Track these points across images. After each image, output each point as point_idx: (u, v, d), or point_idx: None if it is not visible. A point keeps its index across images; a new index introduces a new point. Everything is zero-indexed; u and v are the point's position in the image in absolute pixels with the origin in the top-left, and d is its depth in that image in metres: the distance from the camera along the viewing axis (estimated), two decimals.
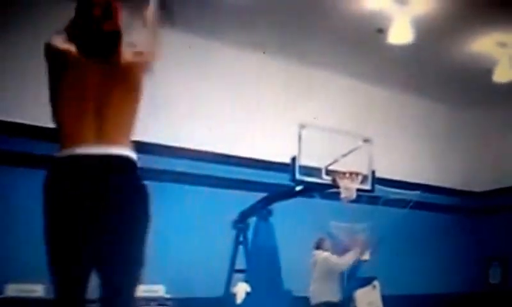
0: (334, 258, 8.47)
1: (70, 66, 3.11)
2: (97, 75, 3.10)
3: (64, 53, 3.12)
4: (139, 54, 3.29)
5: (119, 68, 3.16)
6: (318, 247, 8.68)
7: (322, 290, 8.36)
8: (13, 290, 7.35)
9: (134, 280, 3.17)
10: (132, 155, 3.11)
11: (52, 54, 3.15)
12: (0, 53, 8.00)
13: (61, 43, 3.16)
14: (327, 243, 8.72)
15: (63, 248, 3.00)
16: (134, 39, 3.32)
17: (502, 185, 12.67)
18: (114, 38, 3.19)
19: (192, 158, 9.32)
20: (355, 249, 8.66)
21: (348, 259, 8.51)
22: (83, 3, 3.19)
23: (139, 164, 3.14)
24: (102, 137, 3.03)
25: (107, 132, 3.05)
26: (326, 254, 8.53)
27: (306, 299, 9.32)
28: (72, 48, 3.13)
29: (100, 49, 3.14)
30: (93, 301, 3.17)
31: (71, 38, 3.16)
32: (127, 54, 3.22)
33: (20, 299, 7.22)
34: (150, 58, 3.35)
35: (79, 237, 2.97)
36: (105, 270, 3.08)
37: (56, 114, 3.13)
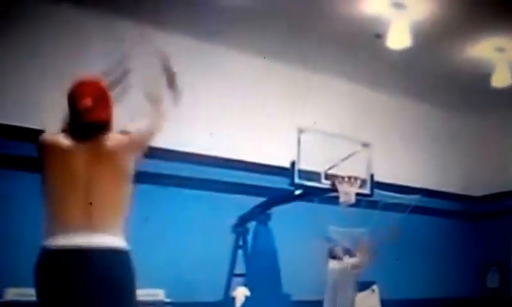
0: (351, 265, 8.62)
1: (60, 155, 3.21)
2: (85, 160, 3.19)
3: (54, 144, 3.23)
4: (126, 135, 3.34)
5: (105, 152, 3.23)
6: (333, 256, 8.78)
7: (342, 298, 8.56)
8: (13, 294, 7.35)
9: None
10: (121, 243, 3.18)
11: (43, 146, 3.26)
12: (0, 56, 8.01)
13: (52, 135, 3.29)
14: (340, 251, 8.74)
15: None
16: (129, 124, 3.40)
17: (501, 190, 12.68)
18: (103, 128, 3.30)
19: (192, 163, 9.32)
20: (363, 254, 8.75)
21: (362, 263, 8.62)
22: (72, 95, 3.32)
23: (126, 250, 3.21)
24: (90, 225, 3.10)
25: (96, 219, 3.12)
26: (351, 260, 8.70)
27: (305, 303, 9.35)
28: (61, 138, 3.25)
29: (88, 136, 3.25)
30: None
31: (63, 130, 3.33)
32: (115, 137, 3.30)
33: (20, 303, 7.21)
34: (137, 141, 3.39)
35: None
36: None
37: (47, 203, 3.21)
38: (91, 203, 3.10)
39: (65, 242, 3.05)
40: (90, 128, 3.25)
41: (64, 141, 3.22)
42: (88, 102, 3.23)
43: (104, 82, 3.44)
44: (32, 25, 8.13)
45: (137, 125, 3.43)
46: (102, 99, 3.33)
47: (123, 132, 3.34)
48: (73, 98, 3.29)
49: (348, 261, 8.72)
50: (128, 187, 3.29)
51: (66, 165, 3.17)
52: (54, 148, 3.21)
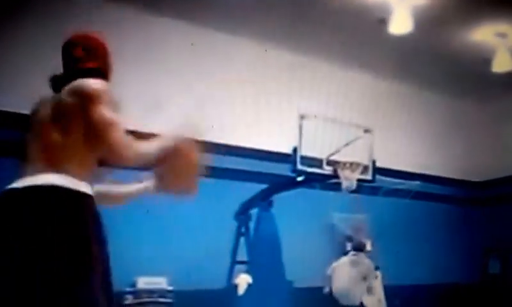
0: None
1: (36, 117, 3.17)
2: (54, 108, 3.13)
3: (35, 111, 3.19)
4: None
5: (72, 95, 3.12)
6: (359, 249, 9.15)
7: (362, 290, 8.87)
8: None
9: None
10: (64, 181, 2.92)
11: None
12: None
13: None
14: (362, 243, 9.28)
15: None
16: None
17: (502, 175, 12.67)
18: (94, 74, 3.22)
19: None
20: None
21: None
22: (65, 45, 3.30)
23: (68, 188, 2.94)
24: (43, 168, 2.97)
25: (49, 161, 2.99)
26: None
27: (307, 290, 9.36)
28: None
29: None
30: None
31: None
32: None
33: None
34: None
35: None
36: None
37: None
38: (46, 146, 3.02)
39: (14, 185, 2.95)
40: (79, 76, 3.17)
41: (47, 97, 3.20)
42: (79, 51, 3.23)
43: (99, 36, 3.40)
44: (23, 11, 8.10)
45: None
46: (95, 50, 3.30)
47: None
48: (66, 47, 3.28)
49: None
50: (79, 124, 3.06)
51: (37, 123, 3.14)
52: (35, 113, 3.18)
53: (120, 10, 8.78)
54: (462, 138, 12.95)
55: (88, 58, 3.23)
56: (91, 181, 3.07)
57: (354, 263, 9.03)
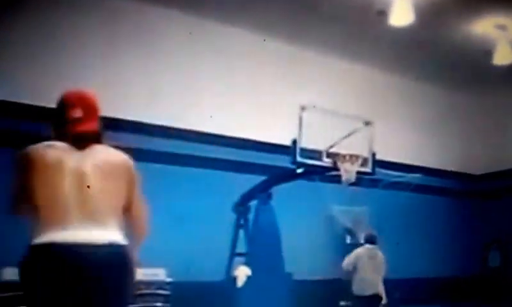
0: None
1: (51, 155, 3.07)
2: (80, 159, 3.09)
3: (42, 150, 3.10)
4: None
5: (99, 152, 3.15)
6: (372, 242, 9.26)
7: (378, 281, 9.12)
8: (9, 274, 7.31)
9: None
10: (119, 238, 3.06)
11: (26, 158, 3.10)
12: None
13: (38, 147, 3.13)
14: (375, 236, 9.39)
15: None
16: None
17: (502, 168, 12.66)
18: (93, 139, 3.20)
19: (193, 141, 9.28)
20: None
21: None
22: (61, 106, 3.24)
23: (124, 245, 3.09)
24: (87, 221, 2.97)
25: (93, 214, 3.00)
26: None
27: (306, 282, 9.34)
28: (52, 144, 3.13)
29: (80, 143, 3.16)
30: None
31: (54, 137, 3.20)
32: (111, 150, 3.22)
33: (17, 282, 7.18)
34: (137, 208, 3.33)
35: None
36: None
37: (35, 204, 3.06)
38: (88, 186, 2.99)
39: (60, 237, 2.91)
40: (81, 139, 3.14)
41: (57, 144, 3.12)
42: (78, 112, 3.17)
43: (94, 95, 3.34)
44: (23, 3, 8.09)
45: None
46: (92, 111, 3.24)
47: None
48: (64, 107, 3.21)
49: None
50: (124, 184, 3.18)
51: (59, 165, 3.03)
52: (43, 153, 3.08)
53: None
54: (462, 131, 12.93)
55: (87, 120, 3.18)
56: None
57: (371, 256, 9.10)
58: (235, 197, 8.95)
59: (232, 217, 8.95)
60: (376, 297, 9.05)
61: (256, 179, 8.91)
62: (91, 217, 2.97)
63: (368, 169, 8.84)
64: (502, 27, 9.85)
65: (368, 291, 9.02)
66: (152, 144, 8.63)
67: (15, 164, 3.14)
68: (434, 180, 12.19)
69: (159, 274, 8.20)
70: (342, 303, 10.19)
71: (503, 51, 10.12)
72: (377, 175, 9.32)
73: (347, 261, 9.17)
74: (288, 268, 8.73)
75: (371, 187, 10.18)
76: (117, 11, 8.72)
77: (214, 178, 9.37)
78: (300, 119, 8.04)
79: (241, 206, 8.99)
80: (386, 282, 9.47)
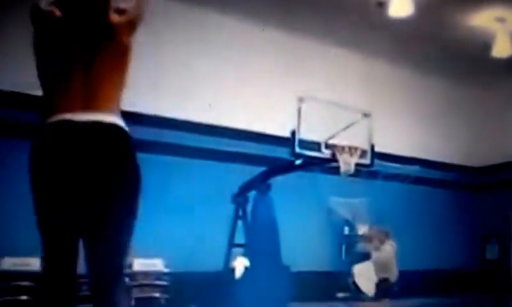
0: None
1: (55, 29, 3.02)
2: (82, 38, 3.02)
3: (49, 15, 3.02)
4: (124, 13, 3.14)
5: (104, 30, 3.06)
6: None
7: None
8: (8, 263, 7.31)
9: (122, 248, 3.07)
10: (119, 121, 3.03)
11: (37, 15, 3.05)
12: None
13: (46, 5, 3.05)
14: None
15: (50, 215, 2.95)
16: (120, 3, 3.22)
17: (502, 161, 12.66)
18: None
19: (191, 132, 9.26)
20: None
21: None
22: None
23: (126, 129, 3.05)
24: (89, 104, 2.96)
25: (94, 97, 2.98)
26: None
27: (305, 274, 9.34)
28: (57, 11, 3.03)
29: (85, 10, 3.06)
30: (83, 276, 3.09)
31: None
32: (112, 16, 3.10)
33: (15, 272, 7.19)
34: (135, 17, 3.20)
35: (66, 203, 2.91)
36: (93, 237, 3.00)
37: (43, 81, 3.08)
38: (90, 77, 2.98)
39: (61, 117, 2.93)
40: None
41: (58, 12, 3.03)
42: None
43: None
44: None
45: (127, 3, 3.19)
46: None
47: (118, 11, 3.13)
48: None
49: None
50: (126, 69, 3.16)
51: (63, 42, 3.02)
52: (49, 18, 3.02)
53: None
54: (462, 123, 12.91)
55: None
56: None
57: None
58: (234, 188, 8.93)
59: (230, 208, 8.94)
60: None
61: (255, 170, 8.89)
62: (94, 101, 2.98)
63: (367, 161, 8.84)
64: (502, 20, 9.84)
65: None
66: (151, 135, 8.60)
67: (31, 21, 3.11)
68: (433, 172, 12.19)
69: (157, 264, 8.20)
70: (340, 295, 10.19)
71: (502, 43, 10.13)
72: (376, 167, 9.31)
73: None
74: (286, 259, 8.73)
75: (370, 179, 10.18)
76: None
77: (213, 169, 9.36)
78: (299, 110, 8.02)
79: (240, 197, 8.97)
80: None
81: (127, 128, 3.04)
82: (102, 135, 2.94)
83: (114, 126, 2.99)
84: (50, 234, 2.99)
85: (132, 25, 3.17)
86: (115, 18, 3.09)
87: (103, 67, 3.03)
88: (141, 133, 8.55)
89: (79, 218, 2.95)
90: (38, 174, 2.95)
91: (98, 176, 2.92)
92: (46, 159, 2.93)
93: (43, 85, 3.08)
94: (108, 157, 2.94)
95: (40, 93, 3.12)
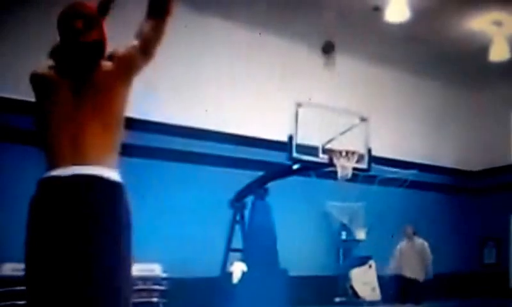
0: None
1: (51, 90, 3.14)
2: (74, 95, 3.12)
3: (45, 77, 3.16)
4: (114, 59, 3.21)
5: (93, 84, 3.14)
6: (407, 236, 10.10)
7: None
8: (8, 269, 7.33)
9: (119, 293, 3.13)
10: (106, 172, 3.06)
11: (36, 80, 3.19)
12: None
13: (44, 69, 3.20)
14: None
15: (38, 268, 2.99)
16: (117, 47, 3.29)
17: (498, 165, 12.67)
18: (95, 49, 3.19)
19: (189, 137, 9.27)
20: None
21: None
22: (65, 18, 3.21)
23: (115, 179, 3.08)
24: (77, 158, 3.03)
25: (83, 152, 3.05)
26: None
27: (302, 279, 9.34)
28: (53, 73, 3.17)
29: (76, 65, 3.17)
30: None
31: (53, 59, 3.23)
32: (103, 66, 3.18)
33: (15, 277, 7.20)
34: (131, 59, 3.28)
35: (55, 257, 2.94)
36: (82, 288, 2.97)
37: (42, 139, 3.16)
38: (77, 133, 3.05)
39: (56, 173, 3.00)
40: (83, 50, 3.16)
41: (54, 74, 3.16)
42: (79, 23, 3.15)
43: (93, 6, 3.31)
44: None
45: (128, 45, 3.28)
46: (94, 20, 3.22)
47: (112, 55, 3.21)
48: (66, 19, 3.19)
49: None
50: (119, 120, 3.19)
51: (57, 100, 3.11)
52: (46, 80, 3.15)
53: None
54: (458, 127, 12.93)
55: (88, 30, 3.17)
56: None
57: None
58: (231, 193, 8.96)
59: (228, 213, 8.96)
60: None
61: (253, 175, 8.92)
62: (86, 156, 3.04)
63: (364, 166, 8.86)
64: (498, 23, 9.87)
65: None
66: (148, 140, 8.62)
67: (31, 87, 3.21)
68: (430, 176, 12.20)
69: (155, 269, 8.21)
70: (337, 299, 10.21)
71: (499, 47, 10.15)
72: (373, 171, 9.32)
73: None
74: (283, 264, 8.75)
75: (367, 183, 10.19)
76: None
77: (211, 174, 9.37)
78: (296, 115, 8.05)
79: (237, 202, 9.00)
80: (381, 278, 9.50)
81: (115, 178, 3.08)
82: (87, 190, 2.99)
83: (98, 179, 3.02)
84: (39, 284, 2.99)
85: (127, 67, 3.25)
86: (105, 66, 3.17)
87: (91, 121, 3.09)
88: (138, 139, 8.60)
89: (67, 268, 2.94)
90: (30, 232, 3.02)
91: (82, 231, 2.95)
92: (37, 217, 3.01)
93: (41, 143, 3.16)
94: (92, 211, 2.98)
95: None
